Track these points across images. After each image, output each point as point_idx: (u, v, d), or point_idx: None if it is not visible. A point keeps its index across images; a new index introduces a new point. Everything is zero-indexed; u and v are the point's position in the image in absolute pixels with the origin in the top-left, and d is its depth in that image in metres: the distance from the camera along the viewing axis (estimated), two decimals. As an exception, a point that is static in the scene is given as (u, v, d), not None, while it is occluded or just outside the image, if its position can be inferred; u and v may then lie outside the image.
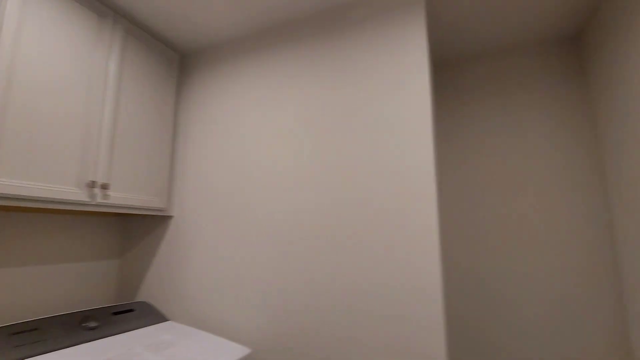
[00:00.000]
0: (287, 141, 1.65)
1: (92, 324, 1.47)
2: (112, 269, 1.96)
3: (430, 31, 1.86)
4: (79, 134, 1.45)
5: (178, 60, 2.03)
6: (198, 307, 1.73)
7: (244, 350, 1.39)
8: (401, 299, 1.31)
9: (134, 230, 2.02)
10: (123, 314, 1.63)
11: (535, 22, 1.78)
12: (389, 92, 1.47)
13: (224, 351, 1.36)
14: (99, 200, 1.50)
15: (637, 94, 1.40)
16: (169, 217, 1.91)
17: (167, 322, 1.71)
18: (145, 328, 1.59)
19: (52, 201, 1.34)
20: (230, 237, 1.71)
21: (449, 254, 2.00)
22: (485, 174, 1.98)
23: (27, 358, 1.18)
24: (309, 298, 1.47)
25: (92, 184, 1.46)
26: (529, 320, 1.77)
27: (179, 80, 2.05)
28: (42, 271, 1.63)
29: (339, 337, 1.39)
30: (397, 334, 1.29)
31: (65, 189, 1.37)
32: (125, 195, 1.62)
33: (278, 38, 1.77)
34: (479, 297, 1.89)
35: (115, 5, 1.64)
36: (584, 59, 1.86)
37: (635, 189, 1.45)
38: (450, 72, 2.15)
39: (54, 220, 1.70)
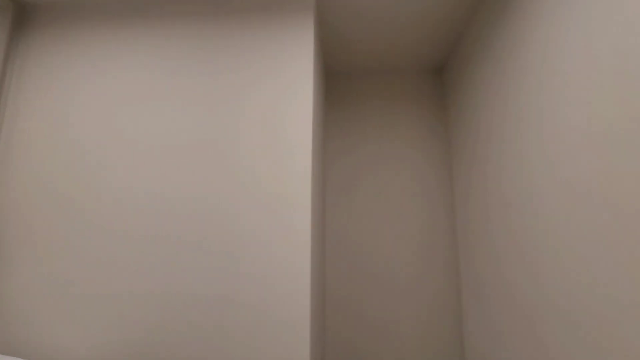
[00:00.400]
0: (150, 128, 1.44)
1: None
2: None
3: (321, 40, 1.91)
4: None
5: (13, 11, 1.58)
6: (15, 328, 1.33)
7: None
8: (272, 307, 1.25)
9: None
10: None
11: (408, 51, 2.01)
12: (276, 98, 1.42)
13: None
14: None
15: (474, 125, 1.69)
16: (-21, 211, 1.44)
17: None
18: None
19: None
20: (65, 237, 1.38)
21: (325, 253, 2.05)
22: (363, 184, 2.12)
23: None
24: (165, 310, 1.28)
25: None
26: (391, 285, 1.94)
27: (14, 37, 1.60)
28: None
29: (193, 354, 1.24)
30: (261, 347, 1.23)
31: None
32: None
33: (151, 4, 1.54)
34: (356, 273, 1.98)
35: None
36: (445, 90, 2.18)
37: (474, 200, 1.74)
38: (340, 81, 2.26)
39: None
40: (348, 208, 2.08)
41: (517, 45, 1.29)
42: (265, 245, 1.29)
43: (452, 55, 2.01)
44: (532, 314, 1.20)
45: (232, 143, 1.39)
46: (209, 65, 1.47)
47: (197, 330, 1.25)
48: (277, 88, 1.42)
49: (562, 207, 1.04)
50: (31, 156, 1.47)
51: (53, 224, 1.39)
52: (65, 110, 1.49)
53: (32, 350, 1.30)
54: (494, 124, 1.48)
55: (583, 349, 0.95)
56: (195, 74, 1.46)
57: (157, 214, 1.35)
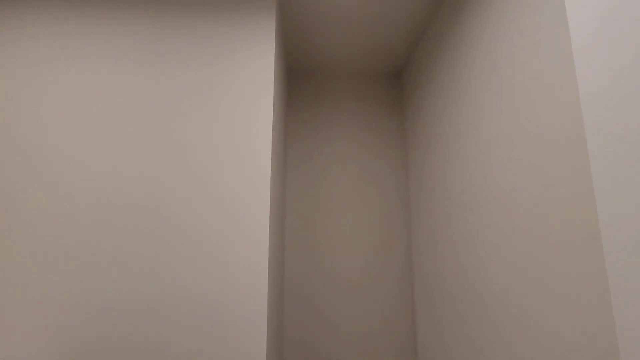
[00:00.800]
0: (106, 118, 1.36)
1: None
2: None
3: (284, 40, 1.91)
4: None
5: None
6: None
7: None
8: (226, 308, 1.24)
9: None
10: None
11: (369, 54, 2.08)
12: (236, 97, 1.41)
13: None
14: None
15: (427, 128, 1.79)
16: None
17: None
18: None
19: None
20: None
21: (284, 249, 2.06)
22: (323, 185, 2.15)
23: None
24: (104, 314, 1.22)
25: None
26: (347, 283, 2.00)
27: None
28: None
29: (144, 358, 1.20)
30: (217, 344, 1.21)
31: None
32: None
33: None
34: (314, 271, 2.01)
35: None
36: (402, 93, 2.28)
37: (425, 200, 1.85)
38: (303, 82, 2.27)
39: None
40: (308, 208, 2.11)
41: (467, 53, 1.39)
42: (221, 244, 1.28)
43: (410, 60, 2.11)
44: (463, 304, 1.30)
45: (191, 140, 1.36)
46: (168, 61, 1.41)
47: (142, 335, 1.20)
48: (238, 86, 1.41)
49: (493, 212, 1.14)
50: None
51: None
52: (17, 102, 1.36)
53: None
54: (443, 127, 1.58)
55: (498, 331, 1.05)
56: (152, 69, 1.41)
57: (108, 215, 1.28)
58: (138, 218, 1.28)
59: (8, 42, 1.41)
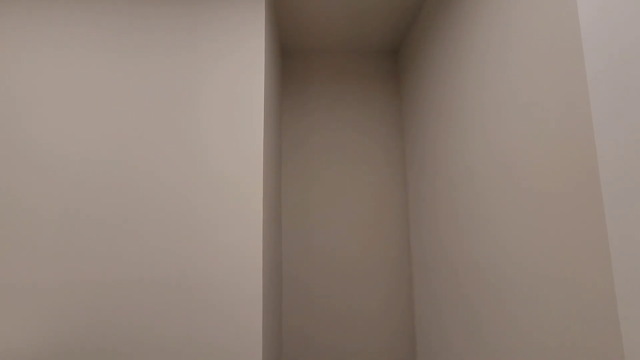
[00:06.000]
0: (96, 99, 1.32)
1: None
2: None
3: (277, 19, 1.83)
4: None
5: None
6: None
7: (-1, 373, 1.04)
8: (220, 292, 1.23)
9: None
10: None
11: (365, 31, 2.00)
12: (228, 77, 1.36)
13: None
14: None
15: (426, 106, 1.74)
16: None
17: None
18: None
19: None
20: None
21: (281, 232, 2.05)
22: (319, 167, 2.12)
23: None
24: (106, 295, 1.22)
25: None
26: (344, 274, 2.00)
27: None
28: None
29: (142, 340, 1.20)
30: (210, 329, 1.21)
31: None
32: None
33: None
34: (309, 255, 2.02)
35: None
36: (399, 71, 2.21)
37: (424, 180, 1.81)
38: (298, 61, 2.20)
39: None
40: (304, 192, 2.08)
41: (465, 28, 1.32)
42: (214, 228, 1.26)
43: (408, 37, 2.03)
44: (463, 282, 1.29)
45: (182, 125, 1.32)
46: (154, 45, 1.36)
47: (136, 320, 1.20)
48: (228, 69, 1.36)
49: (496, 186, 1.11)
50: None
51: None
52: (12, 89, 1.33)
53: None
54: (443, 104, 1.53)
55: (497, 306, 1.04)
56: (138, 53, 1.35)
57: (101, 197, 1.26)
58: (130, 203, 1.26)
59: (-14, 25, 1.36)
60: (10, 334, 1.19)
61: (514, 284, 1.02)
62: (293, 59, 2.20)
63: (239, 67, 1.36)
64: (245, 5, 1.40)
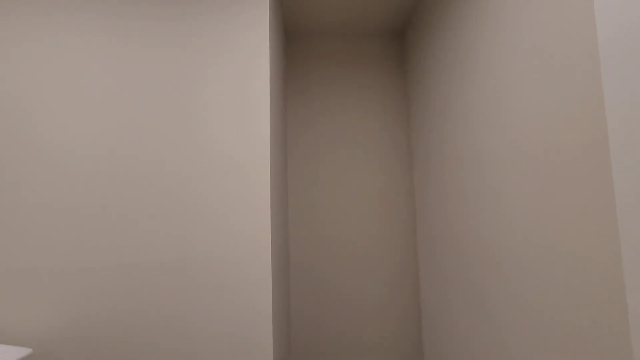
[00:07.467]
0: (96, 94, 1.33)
1: None
2: None
3: (280, 2, 1.81)
4: None
5: None
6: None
7: (21, 352, 1.08)
8: (231, 276, 1.26)
9: None
10: None
11: (370, 13, 1.96)
12: (232, 63, 1.35)
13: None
14: None
15: (433, 89, 1.72)
16: None
17: None
18: None
19: None
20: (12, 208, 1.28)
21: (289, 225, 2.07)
22: (325, 152, 2.11)
23: None
24: (118, 279, 1.25)
25: None
26: (354, 260, 2.03)
27: None
28: None
29: (153, 321, 1.24)
30: (224, 316, 1.25)
31: None
32: None
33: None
34: (317, 242, 2.04)
35: None
36: (405, 54, 2.17)
37: (432, 163, 1.81)
38: (302, 45, 2.18)
39: None
40: (311, 177, 2.09)
41: (475, 5, 1.29)
42: (225, 213, 1.28)
43: (413, 17, 1.99)
44: (471, 265, 1.30)
45: (190, 111, 1.33)
46: (158, 33, 1.36)
47: (151, 301, 1.24)
48: (234, 54, 1.35)
49: (507, 167, 1.10)
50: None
51: (-11, 196, 1.29)
52: (15, 82, 1.34)
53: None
54: (452, 85, 1.51)
55: (506, 289, 1.05)
56: (141, 41, 1.35)
57: (112, 182, 1.29)
58: (142, 191, 1.29)
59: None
60: (33, 316, 1.24)
61: (522, 262, 1.02)
62: (297, 43, 2.18)
63: (244, 53, 1.35)
64: (248, -13, 1.38)
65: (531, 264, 0.98)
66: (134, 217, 1.28)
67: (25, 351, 1.09)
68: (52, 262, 1.26)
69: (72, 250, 1.26)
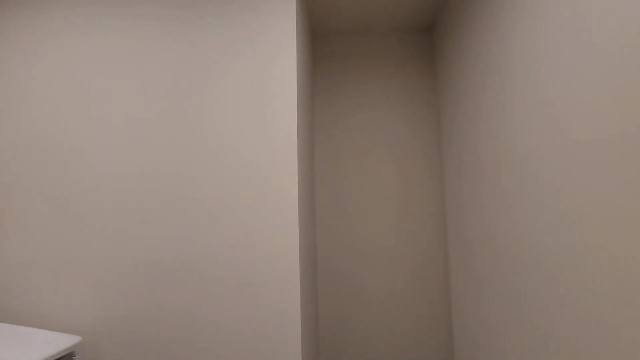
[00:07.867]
0: (130, 92, 1.40)
1: None
2: None
3: (306, 0, 1.81)
4: None
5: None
6: (3, 297, 1.39)
7: (72, 339, 1.18)
8: (258, 273, 1.30)
9: None
10: None
11: (397, 9, 1.92)
12: (257, 64, 1.38)
13: (45, 343, 1.13)
14: None
15: (465, 84, 1.66)
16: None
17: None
18: None
19: None
20: (50, 200, 1.39)
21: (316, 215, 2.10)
22: (352, 151, 2.11)
23: None
24: (155, 273, 1.33)
25: None
26: (379, 260, 2.02)
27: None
28: None
29: (184, 316, 1.31)
30: (251, 306, 1.29)
31: None
32: None
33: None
34: (343, 240, 2.06)
35: None
36: (434, 49, 2.12)
37: (465, 160, 1.76)
38: (328, 43, 2.18)
39: None
40: (337, 176, 2.10)
41: (508, 1, 1.24)
42: (255, 214, 1.31)
43: (443, 11, 1.93)
44: (506, 263, 1.26)
45: (216, 110, 1.37)
46: (186, 30, 1.40)
47: (183, 296, 1.30)
48: (258, 53, 1.37)
49: (551, 165, 1.05)
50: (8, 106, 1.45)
51: (29, 197, 1.40)
52: (24, 81, 1.45)
53: (18, 318, 1.36)
54: (486, 81, 1.46)
55: (553, 293, 1.01)
56: (167, 38, 1.41)
57: (145, 186, 1.36)
58: (172, 193, 1.35)
59: (24, 23, 1.47)
60: (76, 303, 1.35)
61: (568, 262, 0.98)
62: (323, 41, 2.18)
63: (270, 52, 1.37)
64: (275, -10, 1.39)
65: (577, 264, 0.93)
66: (169, 219, 1.34)
67: (76, 339, 1.18)
68: (96, 256, 1.35)
69: (117, 246, 1.35)
